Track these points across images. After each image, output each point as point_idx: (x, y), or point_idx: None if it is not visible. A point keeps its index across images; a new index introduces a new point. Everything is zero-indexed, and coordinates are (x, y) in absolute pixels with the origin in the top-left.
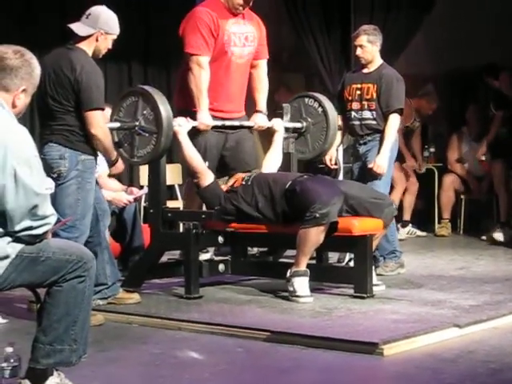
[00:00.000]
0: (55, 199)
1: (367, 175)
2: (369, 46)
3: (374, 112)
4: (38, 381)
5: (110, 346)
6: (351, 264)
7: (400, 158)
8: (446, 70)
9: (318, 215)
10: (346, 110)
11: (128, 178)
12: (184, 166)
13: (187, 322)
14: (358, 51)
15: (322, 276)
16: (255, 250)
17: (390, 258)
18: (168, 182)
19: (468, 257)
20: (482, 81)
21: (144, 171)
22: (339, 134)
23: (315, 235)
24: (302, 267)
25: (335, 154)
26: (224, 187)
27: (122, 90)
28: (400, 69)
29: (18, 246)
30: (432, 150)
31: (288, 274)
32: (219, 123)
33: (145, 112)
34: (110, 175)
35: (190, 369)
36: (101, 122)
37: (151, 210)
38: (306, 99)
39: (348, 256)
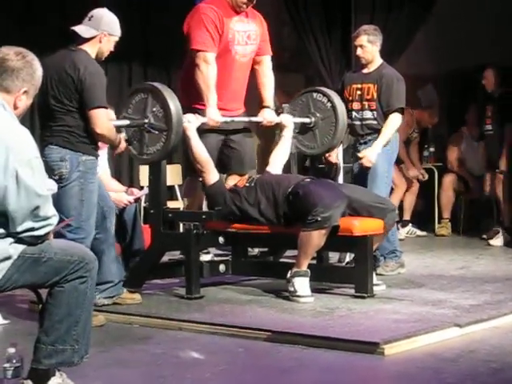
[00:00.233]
0: (59, 202)
1: (367, 175)
2: (369, 46)
3: (374, 112)
4: (41, 381)
5: (112, 346)
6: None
7: (400, 161)
8: (445, 70)
9: (320, 219)
10: (346, 110)
11: (128, 179)
12: (184, 164)
13: (188, 322)
14: (359, 51)
15: (323, 276)
16: (256, 250)
17: (391, 257)
18: (168, 183)
19: (468, 256)
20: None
21: (144, 172)
22: None
23: (317, 238)
24: (303, 268)
25: (337, 150)
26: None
27: (122, 91)
28: (400, 69)
29: (20, 247)
30: (432, 149)
31: (288, 275)
32: (228, 119)
33: (154, 109)
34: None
35: (191, 369)
36: (105, 120)
37: (152, 211)
38: (315, 94)
39: (348, 256)
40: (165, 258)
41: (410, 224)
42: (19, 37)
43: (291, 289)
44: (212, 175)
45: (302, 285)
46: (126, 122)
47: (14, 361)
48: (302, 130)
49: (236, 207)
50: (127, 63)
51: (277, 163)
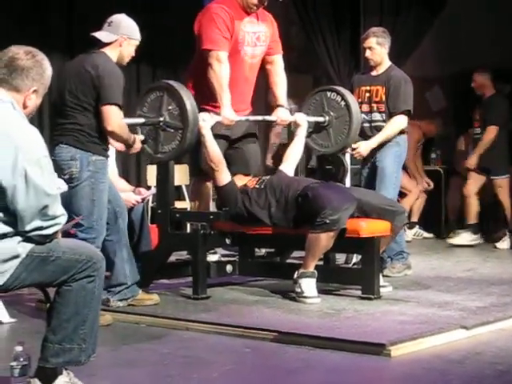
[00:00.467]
0: (70, 202)
1: (376, 177)
2: (378, 48)
3: (383, 114)
4: (48, 380)
5: (119, 345)
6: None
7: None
8: (451, 72)
9: (328, 221)
10: None
11: (136, 179)
12: (191, 164)
13: (195, 322)
14: (367, 53)
15: (330, 277)
16: (263, 250)
17: (398, 259)
18: (175, 183)
19: (475, 258)
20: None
21: (151, 171)
22: None
23: (325, 240)
24: (310, 269)
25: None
26: None
27: (130, 92)
28: (407, 71)
29: (29, 246)
30: (438, 152)
31: (295, 276)
32: (243, 118)
33: (170, 107)
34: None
35: (197, 369)
36: (117, 118)
37: (159, 211)
38: (329, 93)
39: (355, 257)
40: (172, 258)
41: (417, 226)
42: (19, 37)
43: (298, 290)
44: (225, 175)
45: (308, 286)
46: (141, 120)
47: (22, 359)
48: (316, 128)
49: (245, 209)
50: (135, 64)
51: (290, 162)
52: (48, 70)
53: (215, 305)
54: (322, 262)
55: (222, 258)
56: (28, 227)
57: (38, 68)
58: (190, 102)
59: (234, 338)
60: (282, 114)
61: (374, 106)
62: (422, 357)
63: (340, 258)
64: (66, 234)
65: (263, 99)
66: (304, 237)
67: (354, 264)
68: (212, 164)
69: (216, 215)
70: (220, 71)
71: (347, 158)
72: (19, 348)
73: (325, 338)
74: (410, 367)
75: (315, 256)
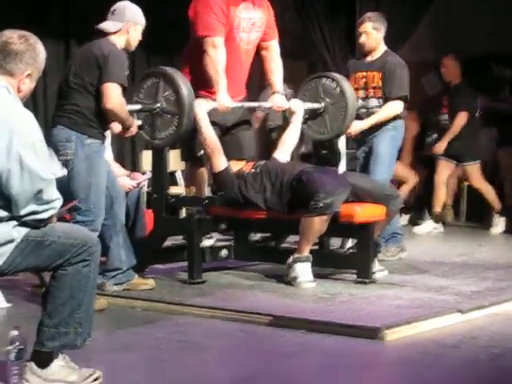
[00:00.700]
0: (67, 184)
1: (370, 160)
2: (373, 32)
3: (380, 100)
4: (44, 363)
5: (114, 330)
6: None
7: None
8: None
9: (322, 204)
10: None
11: (131, 164)
12: (184, 149)
13: (190, 306)
14: (363, 38)
15: (325, 262)
16: (258, 235)
17: (391, 241)
18: (170, 169)
19: (470, 243)
20: (490, 68)
21: (147, 157)
22: None
23: (319, 224)
24: (305, 253)
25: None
26: None
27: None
28: (404, 56)
29: (24, 230)
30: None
31: (290, 260)
32: (239, 104)
33: (166, 93)
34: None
35: (193, 353)
36: (117, 96)
37: (154, 196)
38: (324, 79)
39: (350, 242)
40: (167, 243)
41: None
42: None
43: (293, 274)
44: (221, 160)
45: (303, 270)
46: (138, 106)
47: (17, 343)
48: (312, 115)
49: (240, 194)
50: (131, 53)
51: (285, 149)
52: (42, 53)
53: (210, 289)
54: (316, 247)
55: (217, 243)
56: (23, 211)
57: (32, 52)
58: (186, 87)
59: (230, 322)
60: (277, 101)
61: (371, 91)
62: (417, 341)
63: (335, 242)
64: (62, 218)
65: (257, 85)
66: (298, 221)
67: (349, 248)
68: (208, 149)
69: (211, 200)
70: (216, 57)
71: (343, 143)
72: (15, 332)
73: (320, 322)
74: (405, 351)
75: (309, 240)
